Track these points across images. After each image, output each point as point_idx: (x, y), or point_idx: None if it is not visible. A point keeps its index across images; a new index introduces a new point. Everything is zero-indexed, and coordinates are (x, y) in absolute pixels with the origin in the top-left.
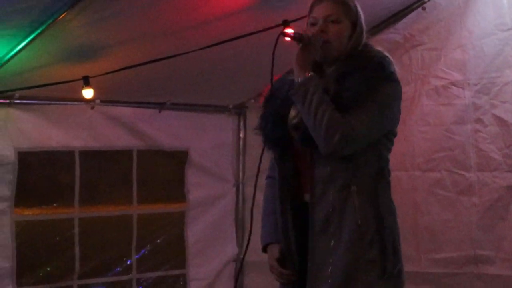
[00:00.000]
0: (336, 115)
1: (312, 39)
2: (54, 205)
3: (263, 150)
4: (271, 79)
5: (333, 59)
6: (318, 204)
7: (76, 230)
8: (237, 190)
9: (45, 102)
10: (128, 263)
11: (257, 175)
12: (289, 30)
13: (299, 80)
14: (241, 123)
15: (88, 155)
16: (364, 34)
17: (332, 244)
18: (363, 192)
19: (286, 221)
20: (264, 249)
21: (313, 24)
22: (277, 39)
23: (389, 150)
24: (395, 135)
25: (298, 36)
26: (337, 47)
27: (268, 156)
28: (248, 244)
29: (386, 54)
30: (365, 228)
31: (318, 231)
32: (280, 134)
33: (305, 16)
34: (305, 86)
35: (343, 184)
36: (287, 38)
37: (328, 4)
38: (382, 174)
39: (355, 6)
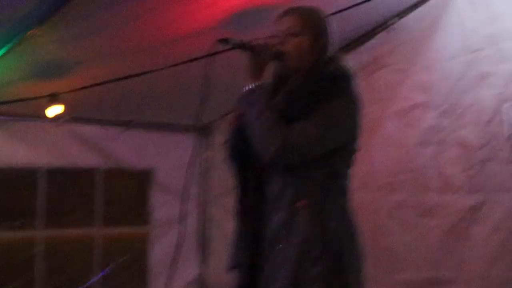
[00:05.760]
0: (277, 123)
1: (258, 48)
2: (16, 223)
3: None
4: (204, 89)
5: (293, 72)
6: (269, 220)
7: (38, 249)
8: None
9: (10, 118)
10: (90, 283)
11: None
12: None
13: (246, 89)
14: (206, 143)
15: (53, 173)
16: (329, 48)
17: (280, 259)
18: (311, 208)
19: (241, 236)
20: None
21: (275, 37)
22: (213, 47)
23: (346, 166)
24: (354, 151)
25: (238, 43)
26: (295, 59)
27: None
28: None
29: (346, 68)
30: (311, 244)
31: (268, 246)
32: (241, 149)
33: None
34: (250, 95)
35: (291, 201)
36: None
37: (290, 17)
38: (332, 191)
39: (321, 20)
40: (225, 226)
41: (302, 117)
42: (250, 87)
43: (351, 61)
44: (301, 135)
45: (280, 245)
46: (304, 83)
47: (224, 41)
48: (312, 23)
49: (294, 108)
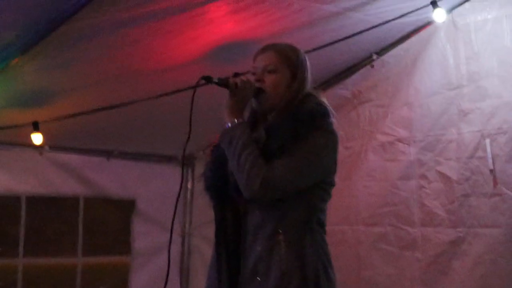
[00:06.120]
0: (259, 160)
1: (240, 86)
2: None
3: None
4: (190, 123)
5: (271, 108)
6: (248, 252)
7: (20, 276)
8: (183, 240)
9: None
10: None
11: None
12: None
13: (228, 126)
14: (189, 174)
15: (35, 201)
16: (307, 85)
17: None
18: (290, 241)
19: (220, 268)
20: None
21: (253, 74)
22: (197, 83)
23: (323, 200)
24: (332, 185)
25: (222, 81)
26: (273, 96)
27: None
28: None
29: (325, 105)
30: (289, 277)
31: (247, 278)
32: (218, 180)
33: None
34: (231, 132)
35: (271, 233)
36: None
37: (268, 54)
38: (311, 224)
39: (298, 57)
40: (206, 255)
41: (281, 153)
42: (231, 124)
43: (333, 95)
44: (283, 172)
45: (259, 277)
46: (283, 119)
47: (207, 78)
48: (290, 60)
49: (274, 144)
